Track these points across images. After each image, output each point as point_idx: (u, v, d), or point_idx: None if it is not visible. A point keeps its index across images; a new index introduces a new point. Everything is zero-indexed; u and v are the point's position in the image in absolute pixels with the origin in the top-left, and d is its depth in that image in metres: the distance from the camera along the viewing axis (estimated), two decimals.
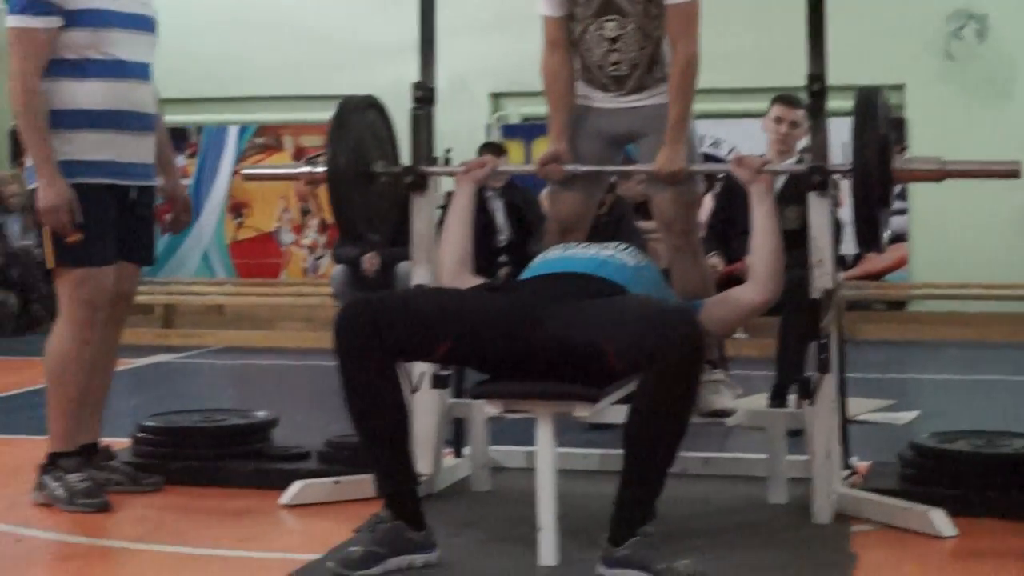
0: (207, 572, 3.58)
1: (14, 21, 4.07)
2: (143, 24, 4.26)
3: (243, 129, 11.55)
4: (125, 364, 5.25)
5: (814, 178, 3.92)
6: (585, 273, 3.61)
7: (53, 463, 4.19)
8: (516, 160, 9.90)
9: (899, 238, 10.18)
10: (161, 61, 4.36)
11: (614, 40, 4.00)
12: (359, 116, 4.16)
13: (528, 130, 10.83)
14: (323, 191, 4.28)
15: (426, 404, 4.18)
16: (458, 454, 4.52)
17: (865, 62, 9.02)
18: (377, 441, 3.41)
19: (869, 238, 3.87)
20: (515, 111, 11.13)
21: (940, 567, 3.56)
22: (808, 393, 3.87)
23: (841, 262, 4.50)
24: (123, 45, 4.17)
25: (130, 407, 5.88)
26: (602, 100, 4.11)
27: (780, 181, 5.31)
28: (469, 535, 3.74)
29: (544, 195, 7.72)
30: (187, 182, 6.48)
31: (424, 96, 4.33)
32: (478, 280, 3.92)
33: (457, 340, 3.41)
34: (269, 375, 8.44)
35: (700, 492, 4.17)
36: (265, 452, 4.57)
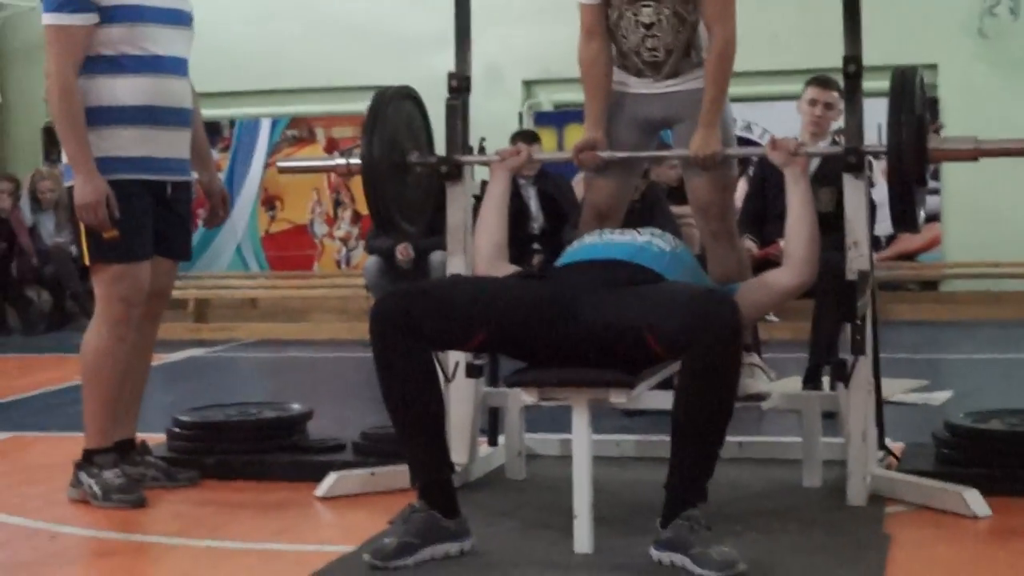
0: (243, 566, 3.58)
1: (50, 19, 4.06)
2: (179, 19, 4.24)
3: (275, 122, 11.57)
4: (158, 359, 5.26)
5: (850, 159, 3.89)
6: (622, 260, 3.60)
7: (89, 460, 4.19)
8: (548, 148, 9.87)
9: (932, 218, 10.10)
10: (192, 55, 4.33)
11: (649, 26, 3.96)
12: (394, 107, 4.15)
13: (560, 117, 10.82)
14: (356, 182, 4.28)
15: (461, 393, 4.17)
16: (493, 443, 4.52)
17: (898, 42, 8.97)
18: (413, 431, 3.42)
19: (905, 218, 3.84)
20: (547, 99, 11.12)
21: (974, 547, 3.55)
22: (843, 375, 3.85)
23: (875, 243, 4.47)
24: (159, 40, 4.15)
25: (164, 402, 5.88)
26: (637, 86, 4.08)
27: (814, 163, 5.27)
28: (504, 523, 3.74)
29: (577, 181, 7.74)
30: (220, 176, 6.49)
31: (460, 85, 4.31)
32: (514, 268, 3.91)
33: (494, 329, 3.41)
34: (303, 368, 8.44)
35: (735, 476, 4.15)
36: (300, 445, 4.56)
